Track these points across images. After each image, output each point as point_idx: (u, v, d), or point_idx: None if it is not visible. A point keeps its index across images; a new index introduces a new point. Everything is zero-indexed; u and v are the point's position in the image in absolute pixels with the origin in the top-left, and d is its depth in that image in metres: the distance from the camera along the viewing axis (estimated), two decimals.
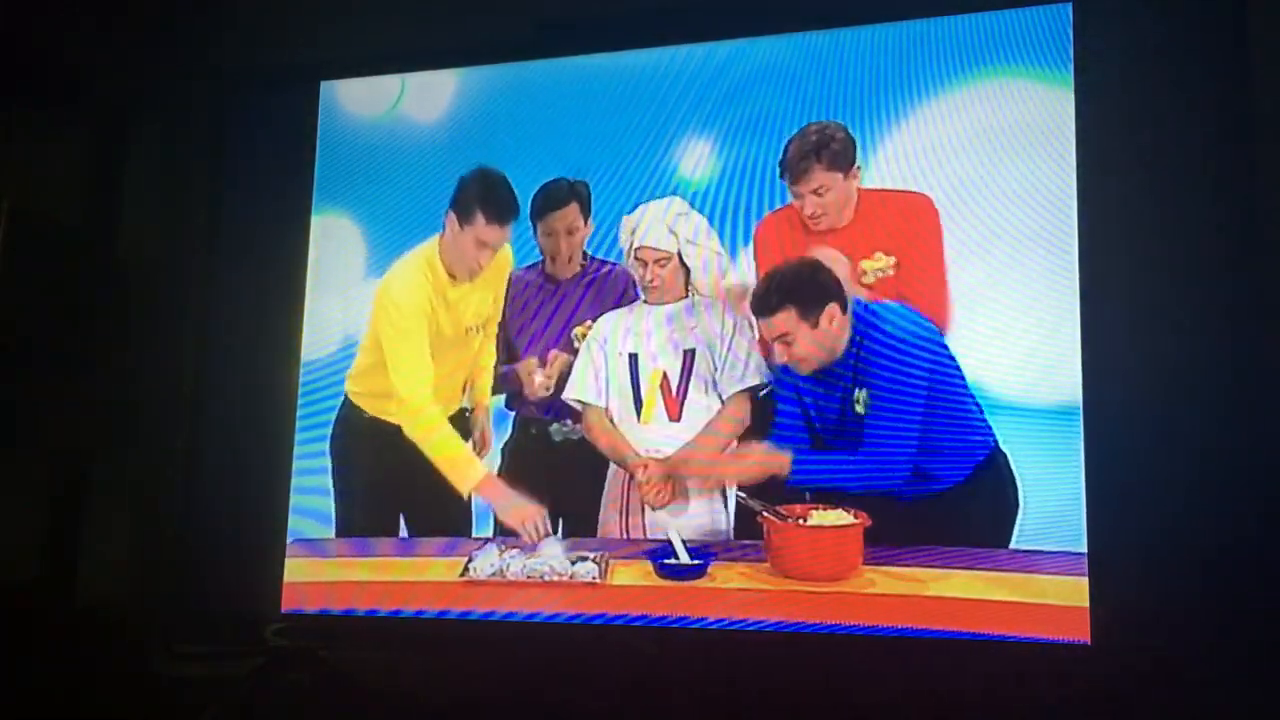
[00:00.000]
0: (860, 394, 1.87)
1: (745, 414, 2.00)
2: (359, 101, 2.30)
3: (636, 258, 2.05)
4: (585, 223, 2.12)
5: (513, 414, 2.15)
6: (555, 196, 2.11)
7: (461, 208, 2.13)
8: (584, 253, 2.13)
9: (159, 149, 2.59)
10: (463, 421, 2.16)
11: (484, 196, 2.12)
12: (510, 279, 2.16)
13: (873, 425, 1.86)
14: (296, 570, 2.16)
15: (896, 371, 1.85)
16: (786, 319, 1.88)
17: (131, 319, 2.51)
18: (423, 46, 2.34)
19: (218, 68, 2.50)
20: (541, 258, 2.15)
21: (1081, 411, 1.79)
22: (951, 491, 1.86)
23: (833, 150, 1.95)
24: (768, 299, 1.89)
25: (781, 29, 2.05)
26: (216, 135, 2.40)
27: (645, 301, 2.08)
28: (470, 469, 2.11)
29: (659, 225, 2.04)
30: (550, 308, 2.14)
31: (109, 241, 2.57)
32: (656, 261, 2.04)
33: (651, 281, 2.05)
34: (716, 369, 2.02)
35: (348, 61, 2.33)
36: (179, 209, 2.50)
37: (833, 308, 1.87)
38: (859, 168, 1.96)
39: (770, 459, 1.92)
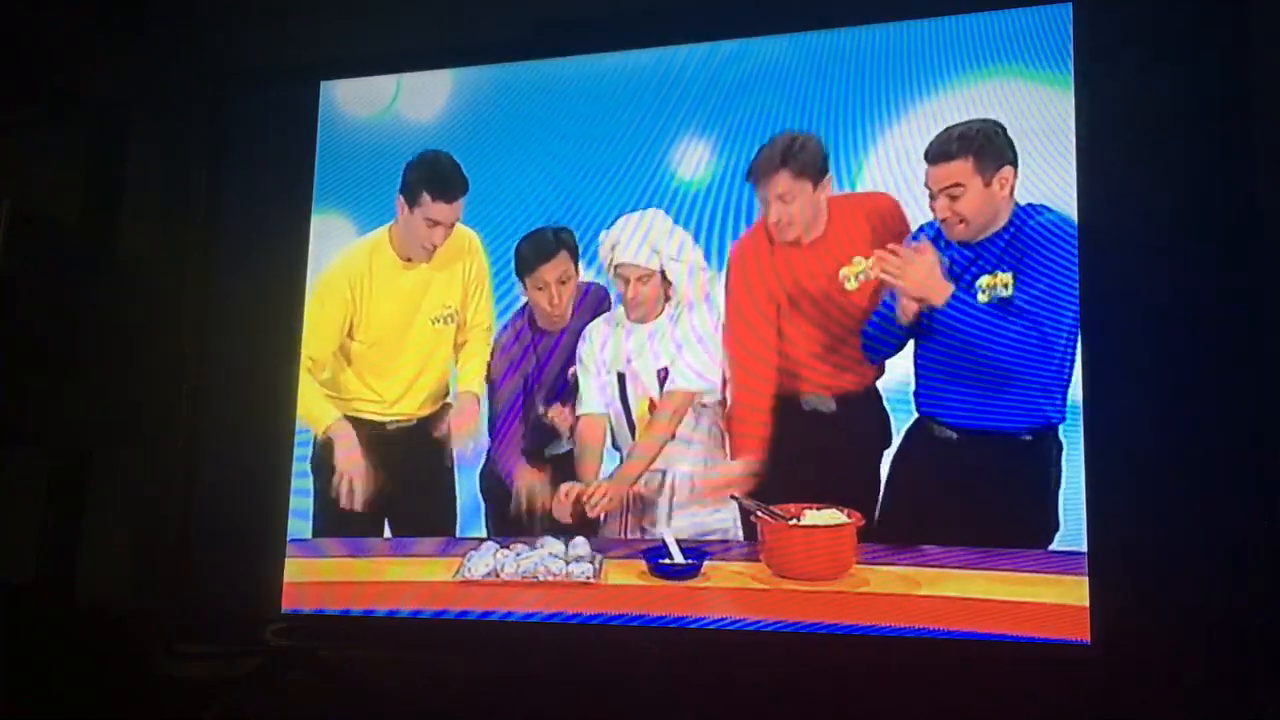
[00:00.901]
0: (999, 277, 1.83)
1: (677, 419, 1.99)
2: (354, 102, 2.29)
3: (618, 274, 2.03)
4: (576, 269, 2.08)
5: (488, 441, 2.13)
6: (543, 249, 2.08)
7: (408, 190, 2.16)
8: (574, 301, 2.10)
9: (159, 149, 2.60)
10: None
11: (429, 177, 2.14)
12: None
13: (1023, 299, 1.82)
14: (296, 570, 2.15)
15: (1058, 259, 1.81)
16: (961, 169, 1.86)
17: (131, 319, 2.51)
18: (422, 47, 2.34)
19: (218, 68, 2.50)
20: (525, 308, 2.12)
21: (1081, 411, 1.79)
22: (1008, 441, 1.82)
23: (800, 159, 1.94)
24: (948, 145, 1.87)
25: (780, 29, 2.05)
26: (216, 135, 2.40)
27: (629, 318, 2.06)
28: (323, 411, 2.18)
29: (640, 242, 2.02)
30: (541, 358, 2.12)
31: (109, 241, 2.57)
32: (639, 279, 2.02)
33: (633, 299, 2.03)
34: (671, 361, 2.01)
35: (348, 62, 2.33)
36: (179, 209, 2.50)
37: (1008, 171, 1.85)
38: (830, 178, 1.95)
39: (939, 277, 1.86)
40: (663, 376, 2.03)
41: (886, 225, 1.92)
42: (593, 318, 2.09)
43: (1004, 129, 1.87)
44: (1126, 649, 1.71)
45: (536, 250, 2.09)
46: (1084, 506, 1.77)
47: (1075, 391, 1.80)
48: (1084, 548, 1.76)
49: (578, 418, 2.07)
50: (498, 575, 2.00)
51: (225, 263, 2.34)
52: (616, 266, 2.03)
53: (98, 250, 2.55)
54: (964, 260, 1.87)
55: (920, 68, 1.96)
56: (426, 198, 2.14)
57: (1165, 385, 1.76)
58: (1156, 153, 1.81)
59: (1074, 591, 1.75)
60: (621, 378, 2.05)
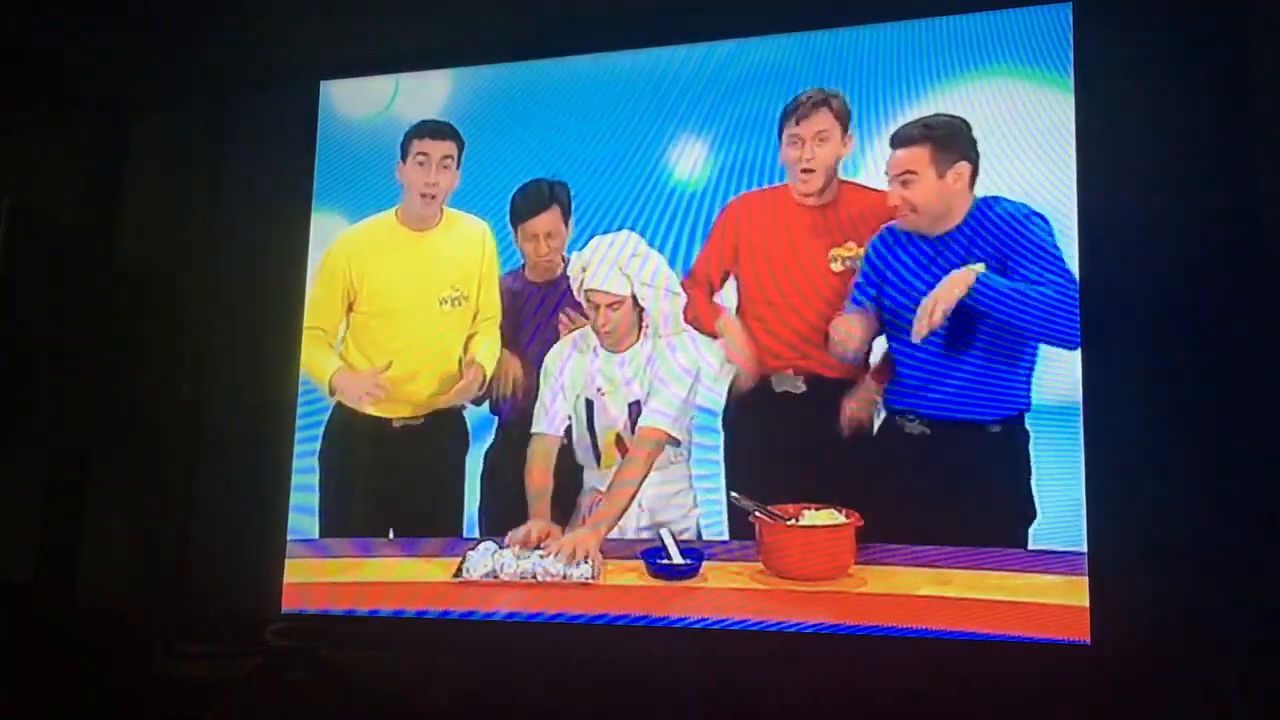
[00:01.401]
0: (973, 268, 1.84)
1: (652, 459, 1.97)
2: (353, 103, 2.29)
3: (588, 300, 2.02)
4: (566, 226, 2.10)
5: (496, 419, 2.14)
6: (535, 202, 2.11)
7: (402, 148, 2.20)
8: (563, 256, 2.11)
9: (159, 149, 2.59)
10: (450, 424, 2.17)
11: (418, 125, 2.20)
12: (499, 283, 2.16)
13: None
14: (296, 570, 2.15)
15: (1031, 247, 1.83)
16: (918, 156, 1.88)
17: (131, 318, 2.51)
18: (423, 46, 2.34)
19: (218, 68, 2.50)
20: (522, 263, 2.14)
21: (1081, 411, 1.79)
22: (979, 432, 1.84)
23: (836, 104, 1.97)
24: (909, 130, 1.90)
25: (780, 29, 2.05)
26: (216, 135, 2.40)
27: (602, 345, 2.05)
28: (326, 361, 2.19)
29: (610, 267, 2.00)
30: (533, 309, 2.13)
31: (109, 241, 2.57)
32: (609, 305, 2.00)
33: (604, 326, 2.01)
34: (643, 400, 1.99)
35: (349, 62, 2.33)
36: (179, 209, 2.50)
37: (963, 166, 1.87)
38: (852, 139, 1.96)
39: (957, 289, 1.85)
40: (635, 410, 2.01)
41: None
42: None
43: (969, 126, 1.89)
44: (1126, 649, 1.71)
45: (529, 202, 2.11)
46: (1084, 506, 1.77)
47: (1074, 391, 1.80)
48: (1084, 548, 1.76)
49: (530, 435, 2.06)
50: (496, 576, 2.00)
51: (225, 262, 2.34)
52: (587, 292, 2.01)
53: (98, 250, 2.55)
54: (928, 254, 1.89)
55: (920, 67, 1.96)
56: (414, 141, 2.19)
57: (1165, 385, 1.75)
58: (1156, 152, 1.81)
59: (1074, 591, 1.75)
60: (590, 404, 2.04)
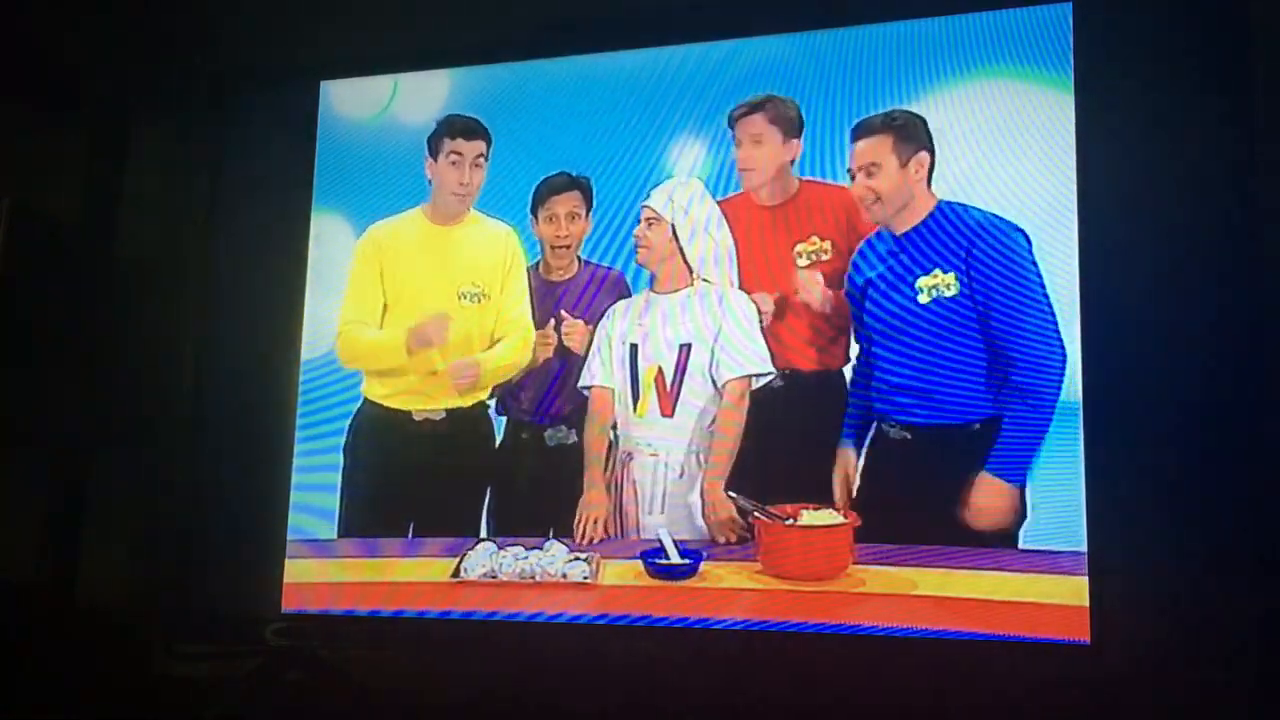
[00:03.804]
0: (941, 277, 1.87)
1: (744, 405, 1.98)
2: (351, 103, 2.30)
3: (642, 219, 2.07)
4: (586, 215, 2.11)
5: (504, 418, 2.14)
6: (557, 184, 2.13)
7: (432, 146, 2.20)
8: (578, 258, 2.12)
9: (159, 149, 2.59)
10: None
11: (448, 123, 2.19)
12: None
13: (968, 299, 1.87)
14: (297, 570, 2.16)
15: (1004, 258, 1.85)
16: (880, 146, 1.90)
17: (131, 317, 2.51)
18: (423, 46, 2.34)
19: (218, 68, 2.50)
20: (538, 259, 2.15)
21: (1081, 411, 1.79)
22: (961, 432, 1.85)
23: (775, 106, 2.00)
24: (871, 121, 1.93)
25: (780, 29, 2.05)
26: (216, 135, 2.40)
27: (652, 290, 2.07)
28: (385, 334, 2.18)
29: (664, 192, 2.05)
30: (549, 309, 2.14)
31: (109, 241, 2.57)
32: (648, 219, 2.05)
33: (641, 241, 2.05)
34: (713, 361, 2.01)
35: (349, 62, 2.33)
36: (179, 209, 2.50)
37: (923, 155, 1.90)
38: (798, 144, 1.99)
39: None
40: (683, 356, 2.02)
41: (852, 218, 1.96)
42: (610, 300, 2.10)
43: (925, 122, 1.91)
44: (1126, 649, 1.71)
45: (549, 185, 2.13)
46: (1084, 506, 1.76)
47: (1074, 391, 1.80)
48: (1084, 548, 1.76)
49: (587, 388, 2.08)
50: (495, 576, 2.00)
51: (225, 263, 2.34)
52: (641, 208, 2.06)
53: (98, 250, 2.55)
54: (893, 252, 1.91)
55: (920, 67, 1.96)
56: (446, 140, 2.18)
57: (1164, 385, 1.76)
58: (1156, 153, 1.81)
59: (1074, 591, 1.75)
60: (634, 348, 2.06)
